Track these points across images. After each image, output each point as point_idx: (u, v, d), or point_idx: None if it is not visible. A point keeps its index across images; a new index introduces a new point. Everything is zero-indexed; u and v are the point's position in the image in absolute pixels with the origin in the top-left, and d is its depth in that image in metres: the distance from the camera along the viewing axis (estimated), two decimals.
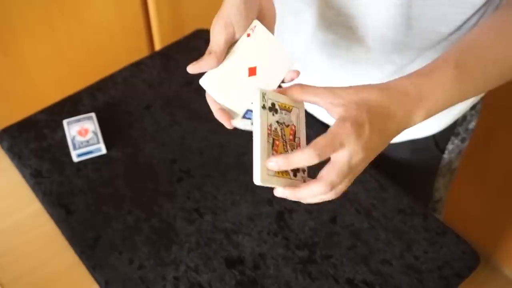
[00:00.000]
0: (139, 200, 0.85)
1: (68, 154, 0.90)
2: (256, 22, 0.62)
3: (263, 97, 0.57)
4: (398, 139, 0.88)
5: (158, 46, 1.50)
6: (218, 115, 0.62)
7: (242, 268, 0.78)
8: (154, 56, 1.07)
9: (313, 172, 0.59)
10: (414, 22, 0.71)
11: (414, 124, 0.61)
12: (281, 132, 0.59)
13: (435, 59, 0.62)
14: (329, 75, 0.84)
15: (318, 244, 0.80)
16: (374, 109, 0.57)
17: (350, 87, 0.58)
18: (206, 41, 0.60)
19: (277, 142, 0.58)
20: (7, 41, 1.26)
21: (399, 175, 0.87)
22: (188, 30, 1.12)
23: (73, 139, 0.90)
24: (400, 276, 0.77)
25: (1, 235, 0.84)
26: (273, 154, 0.57)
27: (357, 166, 0.57)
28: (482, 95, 0.89)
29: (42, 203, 0.87)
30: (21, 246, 0.83)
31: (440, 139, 0.91)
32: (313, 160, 0.54)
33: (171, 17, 1.46)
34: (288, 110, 0.60)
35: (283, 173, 0.58)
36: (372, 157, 0.59)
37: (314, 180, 0.56)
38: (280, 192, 0.57)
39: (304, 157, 0.54)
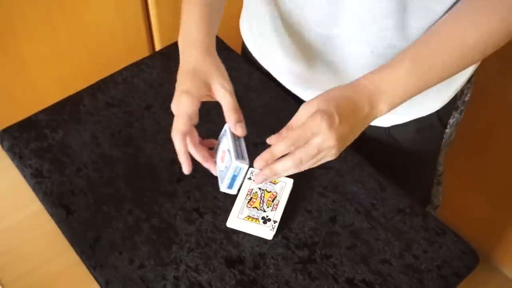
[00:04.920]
0: (139, 200, 0.85)
1: (68, 154, 0.90)
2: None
3: (251, 173, 0.83)
4: (403, 119, 0.90)
5: (158, 46, 1.50)
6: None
7: (242, 268, 0.78)
8: (154, 56, 1.07)
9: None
10: (409, 2, 0.74)
11: (381, 114, 0.70)
12: (261, 194, 0.82)
13: (395, 57, 0.71)
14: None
15: (318, 244, 0.80)
16: (342, 104, 0.68)
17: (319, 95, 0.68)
18: None
19: (254, 200, 0.81)
20: (7, 41, 1.26)
21: (406, 155, 0.89)
22: None
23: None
24: (400, 275, 0.77)
25: (1, 235, 0.84)
26: (247, 206, 0.80)
27: (325, 152, 0.67)
28: (475, 67, 0.91)
29: (42, 203, 0.87)
30: (21, 246, 0.84)
31: (443, 115, 0.93)
32: (289, 149, 0.66)
33: (171, 17, 1.46)
34: (274, 182, 0.83)
35: (253, 219, 0.80)
36: (343, 147, 0.68)
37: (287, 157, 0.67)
38: (261, 159, 0.68)
39: (280, 148, 0.66)
